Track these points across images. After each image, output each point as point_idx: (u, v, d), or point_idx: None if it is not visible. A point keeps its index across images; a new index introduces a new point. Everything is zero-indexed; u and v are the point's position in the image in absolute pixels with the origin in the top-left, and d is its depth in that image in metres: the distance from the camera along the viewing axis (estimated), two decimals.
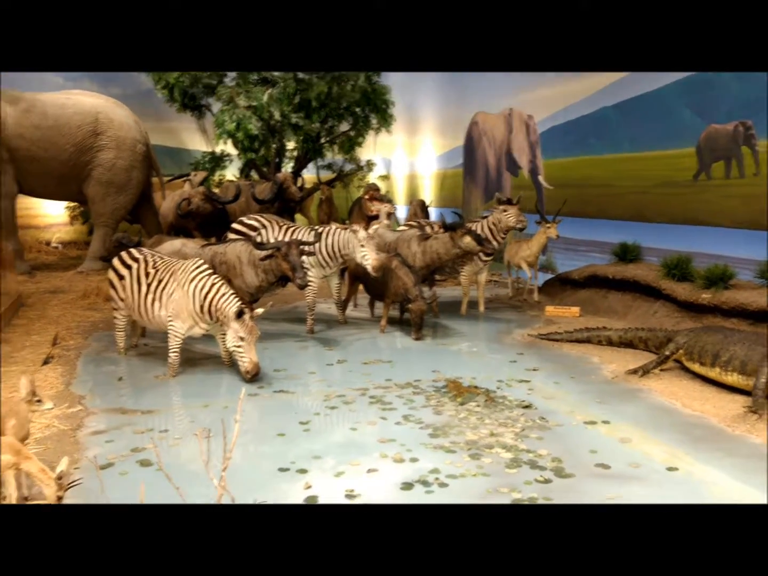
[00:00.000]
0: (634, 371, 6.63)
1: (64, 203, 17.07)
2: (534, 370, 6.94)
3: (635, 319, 8.65)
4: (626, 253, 9.53)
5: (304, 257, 7.66)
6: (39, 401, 4.09)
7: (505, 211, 9.25)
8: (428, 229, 9.28)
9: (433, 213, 14.16)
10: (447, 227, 8.64)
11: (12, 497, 3.75)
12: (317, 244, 8.19)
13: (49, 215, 17.99)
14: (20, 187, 13.00)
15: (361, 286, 9.35)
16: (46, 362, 7.28)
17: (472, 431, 5.27)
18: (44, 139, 12.65)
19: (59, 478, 3.74)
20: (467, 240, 8.44)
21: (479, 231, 9.08)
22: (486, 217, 9.63)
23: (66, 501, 3.86)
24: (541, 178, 11.93)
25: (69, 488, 3.83)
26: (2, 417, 4.08)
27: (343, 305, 9.28)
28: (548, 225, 10.00)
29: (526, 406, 5.82)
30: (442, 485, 4.38)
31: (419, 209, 14.02)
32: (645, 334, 7.37)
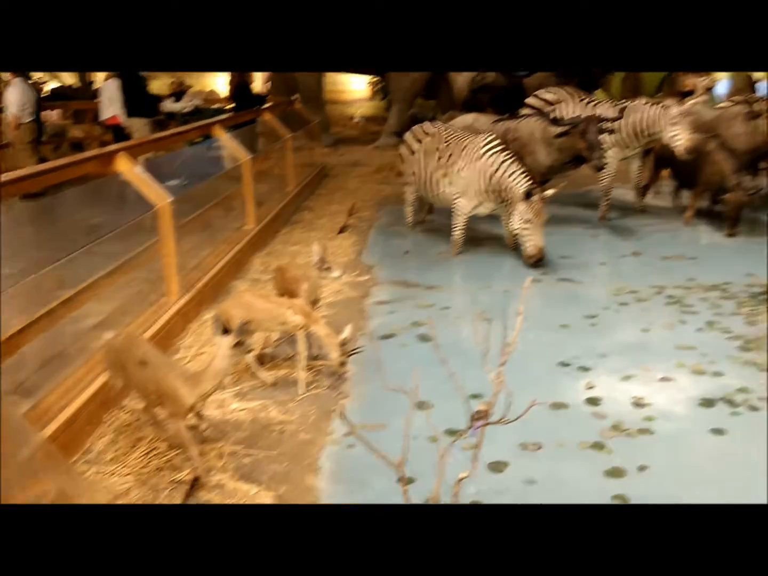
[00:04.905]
0: None
1: (367, 78, 17.73)
2: None
3: None
4: None
5: (603, 135, 6.93)
6: (328, 268, 4.22)
7: None
8: (759, 106, 7.79)
9: (765, 89, 11.99)
10: None
11: (302, 355, 3.97)
12: (620, 121, 7.32)
13: (354, 90, 18.89)
14: None
15: (666, 171, 8.30)
16: (341, 231, 7.69)
17: None
18: None
19: (343, 344, 3.85)
20: None
21: None
22: None
23: (348, 367, 4.01)
24: None
25: (351, 355, 3.95)
26: (296, 281, 4.31)
27: (642, 191, 8.36)
28: None
29: None
30: (752, 408, 3.72)
31: (745, 84, 11.97)
32: None
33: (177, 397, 2.96)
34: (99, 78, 14.28)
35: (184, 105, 11.80)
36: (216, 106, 13.44)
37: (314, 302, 4.35)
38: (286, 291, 4.44)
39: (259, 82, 10.11)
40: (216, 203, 6.42)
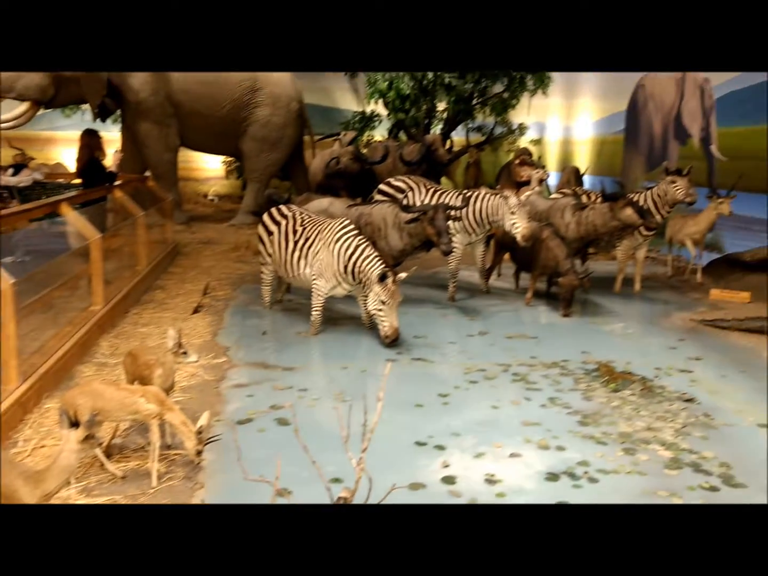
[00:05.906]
0: None
1: (222, 157, 17.75)
2: (697, 359, 6.28)
3: None
4: None
5: (450, 222, 7.39)
6: (185, 353, 4.12)
7: (673, 182, 8.42)
8: (584, 199, 8.67)
9: (588, 181, 13.33)
10: (606, 197, 8.01)
11: (156, 446, 3.81)
12: (465, 209, 7.85)
13: (207, 169, 18.81)
14: (182, 140, 13.57)
15: (507, 256, 8.93)
16: (196, 311, 7.52)
17: (625, 422, 4.82)
18: (207, 95, 13.07)
19: (199, 432, 3.74)
20: (628, 212, 7.78)
21: (642, 203, 8.35)
22: (650, 188, 8.84)
23: (205, 456, 3.88)
24: (713, 149, 10.80)
25: (208, 443, 3.84)
26: (148, 366, 4.16)
27: (487, 274, 8.92)
28: (720, 200, 9.03)
29: (689, 400, 5.25)
30: (592, 480, 4.00)
31: (573, 177, 13.24)
32: None
33: (15, 499, 2.73)
34: None
35: (21, 179, 11.19)
36: (61, 180, 12.88)
37: (169, 389, 4.20)
38: (138, 377, 4.27)
39: (109, 158, 9.87)
40: (62, 283, 6.09)
